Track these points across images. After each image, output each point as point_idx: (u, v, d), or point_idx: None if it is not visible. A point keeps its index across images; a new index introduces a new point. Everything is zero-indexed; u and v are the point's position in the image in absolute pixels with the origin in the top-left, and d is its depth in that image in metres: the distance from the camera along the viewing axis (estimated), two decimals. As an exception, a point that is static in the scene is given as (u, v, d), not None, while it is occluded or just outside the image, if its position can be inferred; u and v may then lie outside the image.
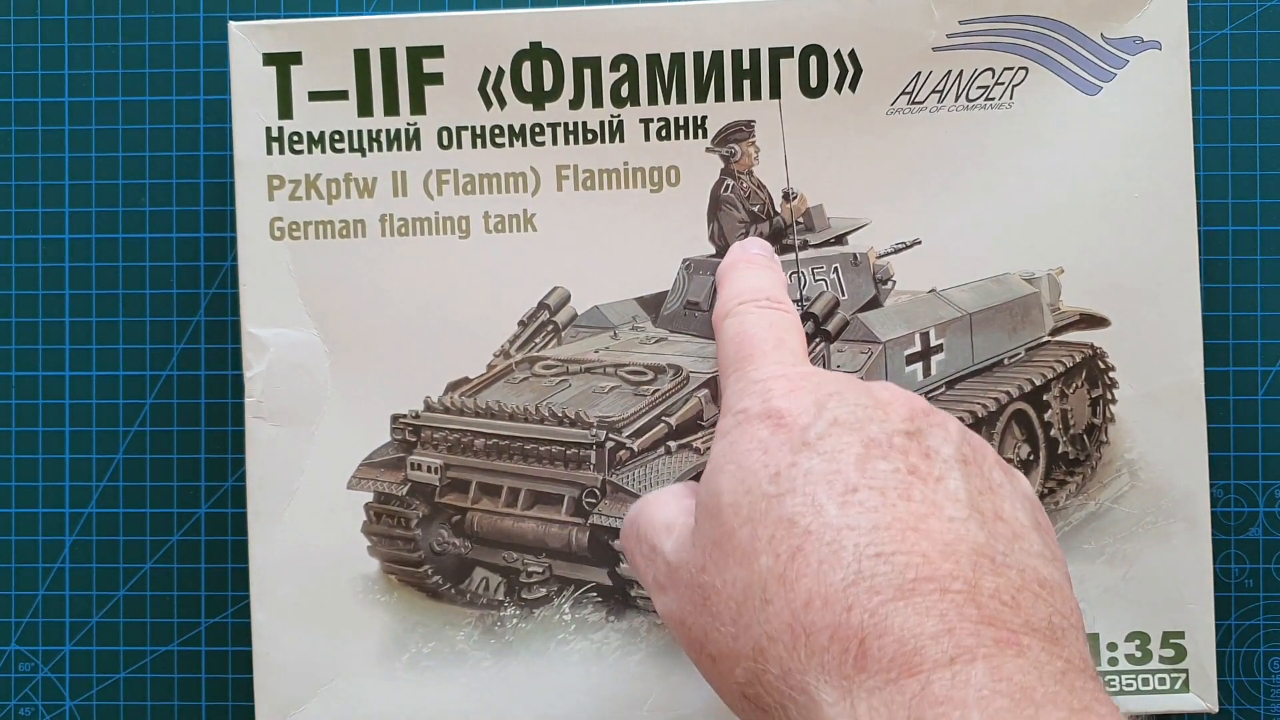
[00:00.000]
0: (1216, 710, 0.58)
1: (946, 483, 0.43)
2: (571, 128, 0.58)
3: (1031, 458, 0.60)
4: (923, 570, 0.40)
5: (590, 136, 0.58)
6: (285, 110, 0.58)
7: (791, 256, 0.59)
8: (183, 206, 0.63)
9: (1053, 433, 0.60)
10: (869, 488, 0.42)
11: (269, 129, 0.58)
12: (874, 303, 0.60)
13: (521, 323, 0.58)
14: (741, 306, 0.52)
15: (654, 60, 0.57)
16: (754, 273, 0.54)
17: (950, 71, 0.57)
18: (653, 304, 0.60)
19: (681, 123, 0.58)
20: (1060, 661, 0.39)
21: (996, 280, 0.58)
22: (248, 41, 0.58)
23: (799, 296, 0.59)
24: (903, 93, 0.57)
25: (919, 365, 0.60)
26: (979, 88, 0.57)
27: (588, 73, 0.57)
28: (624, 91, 0.57)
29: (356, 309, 0.58)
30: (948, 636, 0.38)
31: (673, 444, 0.57)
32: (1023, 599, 0.40)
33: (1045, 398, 0.60)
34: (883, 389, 0.47)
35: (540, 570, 0.58)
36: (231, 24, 0.58)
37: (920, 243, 0.58)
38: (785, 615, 0.40)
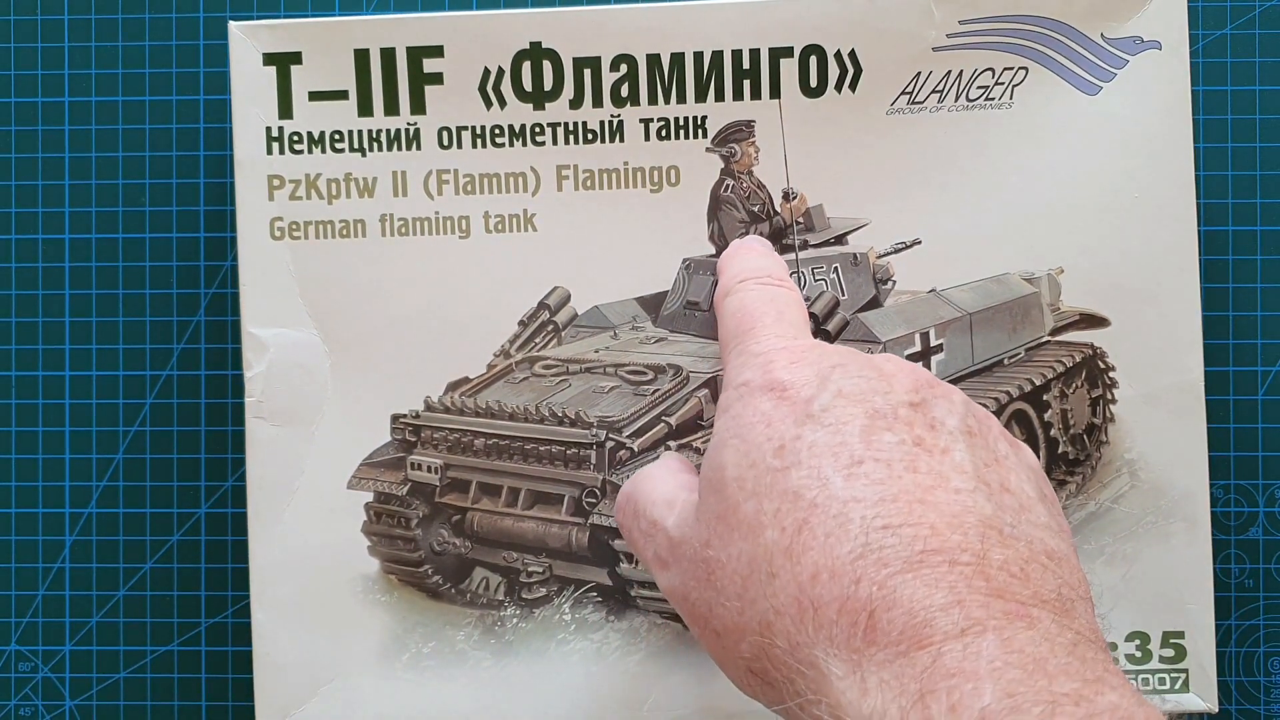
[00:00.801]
0: (1216, 710, 0.58)
1: (952, 454, 0.43)
2: (571, 128, 0.58)
3: (1031, 458, 0.60)
4: (931, 542, 0.40)
5: (590, 136, 0.58)
6: (285, 110, 0.58)
7: (791, 256, 0.59)
8: (183, 206, 0.63)
9: (1053, 433, 0.60)
10: (874, 460, 0.42)
11: (269, 129, 0.58)
12: (874, 303, 0.60)
13: (521, 322, 0.58)
14: (742, 284, 0.52)
15: (654, 60, 0.57)
16: (754, 255, 0.55)
17: (950, 71, 0.57)
18: (653, 304, 0.60)
19: (681, 123, 0.58)
20: (1070, 633, 0.39)
21: (996, 280, 0.58)
22: (248, 41, 0.58)
23: (799, 296, 0.59)
24: (903, 93, 0.57)
25: (919, 365, 0.60)
26: (979, 88, 0.57)
27: (588, 73, 0.57)
28: (624, 91, 0.57)
29: (357, 309, 0.58)
30: (958, 608, 0.38)
31: (673, 444, 0.57)
32: (1031, 570, 0.40)
33: (1045, 397, 0.60)
34: (886, 360, 0.46)
35: (540, 570, 0.58)
36: (232, 24, 0.58)
37: (920, 242, 0.58)
38: (792, 589, 0.40)
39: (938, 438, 0.43)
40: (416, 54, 0.57)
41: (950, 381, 0.61)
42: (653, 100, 0.58)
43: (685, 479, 0.49)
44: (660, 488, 0.49)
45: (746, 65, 0.57)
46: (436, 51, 0.57)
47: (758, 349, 0.47)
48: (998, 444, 0.45)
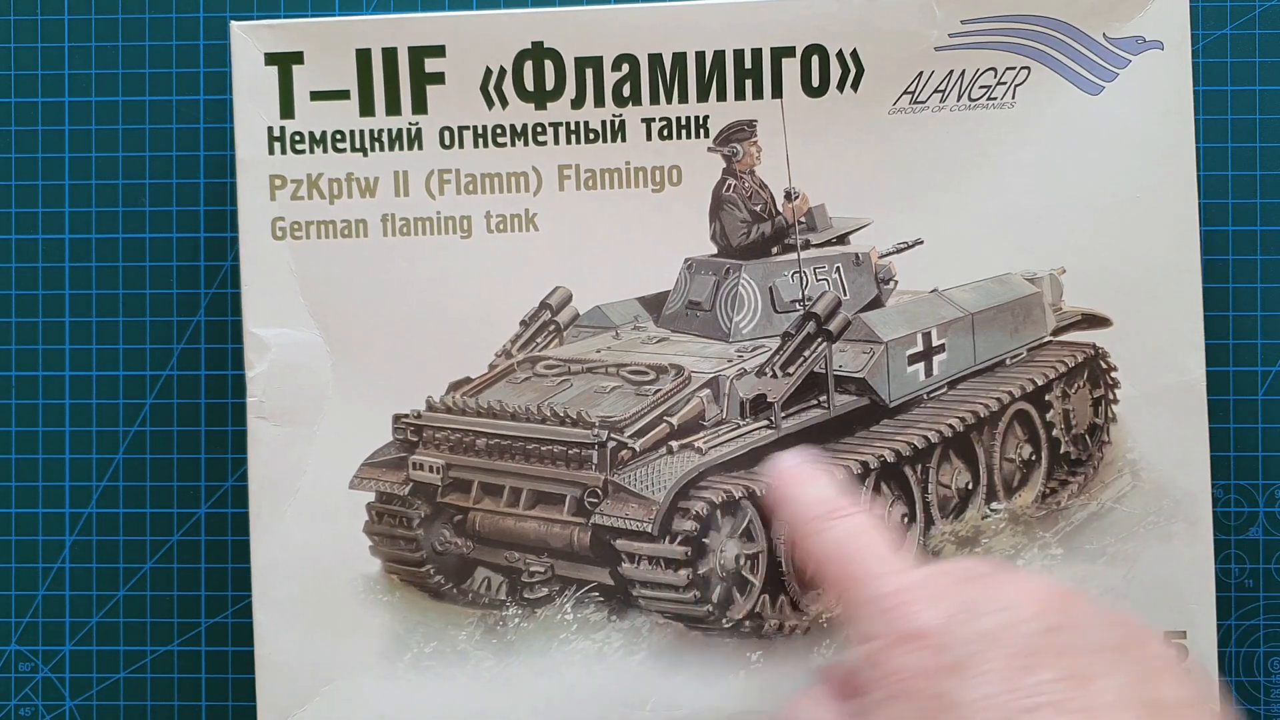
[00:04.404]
0: (1217, 710, 0.57)
1: (1101, 682, 0.42)
2: (573, 127, 0.58)
3: (1034, 458, 0.60)
4: None
5: (592, 136, 0.58)
6: (287, 110, 0.58)
7: (793, 256, 0.59)
8: (183, 206, 0.63)
9: (1055, 433, 0.60)
10: (1026, 709, 0.41)
11: (271, 129, 0.58)
12: (876, 302, 0.61)
13: (523, 322, 0.58)
14: (816, 523, 0.50)
15: (656, 60, 0.57)
16: (808, 486, 0.52)
17: (952, 71, 0.57)
18: (655, 304, 0.60)
19: (683, 122, 0.58)
20: None
21: (998, 280, 0.58)
22: (249, 41, 0.58)
23: (801, 296, 0.59)
24: (905, 92, 0.57)
25: (921, 365, 0.60)
26: (981, 87, 0.57)
27: (589, 72, 0.57)
28: (626, 91, 0.57)
29: (358, 309, 0.58)
30: None
31: (675, 444, 0.57)
32: None
33: (1047, 398, 0.60)
34: (1010, 581, 0.45)
35: (542, 570, 0.58)
36: (233, 24, 0.58)
37: (922, 242, 0.58)
38: None
39: (1086, 663, 0.42)
40: (418, 54, 0.57)
41: (952, 382, 0.61)
42: (654, 100, 0.57)
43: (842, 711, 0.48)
44: None
45: (748, 65, 0.57)
46: (438, 51, 0.57)
47: (876, 595, 0.46)
48: (1147, 645, 0.44)
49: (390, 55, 0.57)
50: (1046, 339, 0.60)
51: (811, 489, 0.52)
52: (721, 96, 0.57)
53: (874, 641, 0.45)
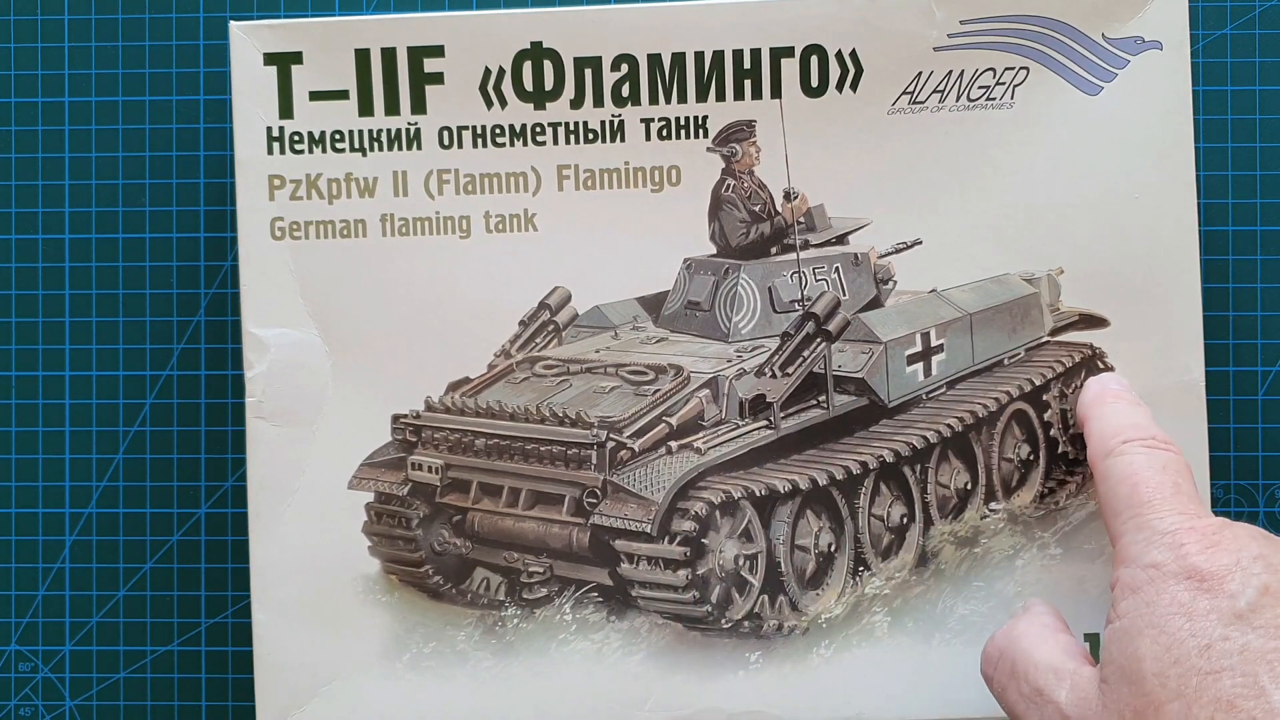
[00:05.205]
0: None
1: None
2: (572, 127, 0.58)
3: (1031, 457, 0.60)
4: None
5: (591, 136, 0.58)
6: (286, 110, 0.58)
7: (792, 256, 0.59)
8: (183, 206, 0.63)
9: (1052, 432, 0.60)
10: None
11: (270, 129, 0.58)
12: (875, 302, 0.61)
13: (522, 322, 0.58)
14: (1126, 445, 0.49)
15: (655, 60, 0.57)
16: (1126, 408, 0.52)
17: (951, 71, 0.57)
18: (654, 304, 0.60)
19: (682, 122, 0.58)
20: None
21: (997, 280, 0.58)
22: (249, 41, 0.58)
23: (800, 296, 0.59)
24: (904, 92, 0.57)
25: (920, 365, 0.60)
26: (980, 88, 0.57)
27: (589, 72, 0.57)
28: (625, 91, 0.57)
29: (357, 309, 0.58)
30: None
31: (674, 444, 0.57)
32: None
33: (1045, 398, 0.60)
34: None
35: (541, 570, 0.58)
36: (232, 24, 0.58)
37: (921, 243, 0.58)
38: None
39: None
40: (417, 54, 0.57)
41: (951, 382, 0.61)
42: (654, 100, 0.57)
43: (1066, 642, 0.48)
44: (1043, 651, 0.48)
45: (747, 65, 0.57)
46: (437, 51, 0.57)
47: (1162, 526, 0.45)
48: None
49: (389, 55, 0.57)
50: (1044, 339, 0.60)
51: (1129, 412, 0.52)
52: (720, 97, 0.57)
53: (1148, 570, 0.44)
